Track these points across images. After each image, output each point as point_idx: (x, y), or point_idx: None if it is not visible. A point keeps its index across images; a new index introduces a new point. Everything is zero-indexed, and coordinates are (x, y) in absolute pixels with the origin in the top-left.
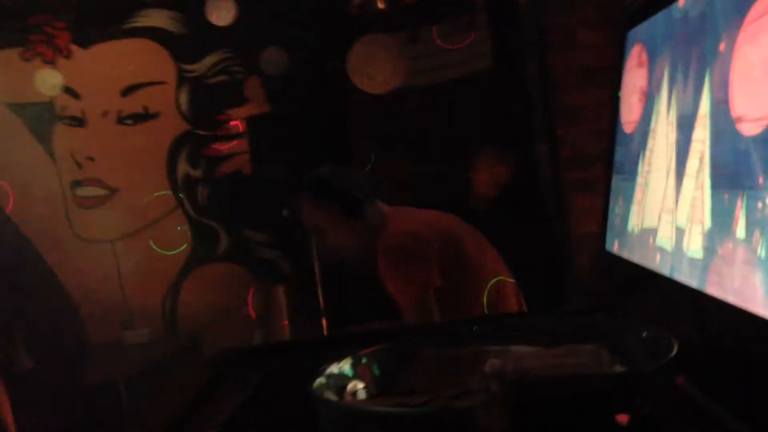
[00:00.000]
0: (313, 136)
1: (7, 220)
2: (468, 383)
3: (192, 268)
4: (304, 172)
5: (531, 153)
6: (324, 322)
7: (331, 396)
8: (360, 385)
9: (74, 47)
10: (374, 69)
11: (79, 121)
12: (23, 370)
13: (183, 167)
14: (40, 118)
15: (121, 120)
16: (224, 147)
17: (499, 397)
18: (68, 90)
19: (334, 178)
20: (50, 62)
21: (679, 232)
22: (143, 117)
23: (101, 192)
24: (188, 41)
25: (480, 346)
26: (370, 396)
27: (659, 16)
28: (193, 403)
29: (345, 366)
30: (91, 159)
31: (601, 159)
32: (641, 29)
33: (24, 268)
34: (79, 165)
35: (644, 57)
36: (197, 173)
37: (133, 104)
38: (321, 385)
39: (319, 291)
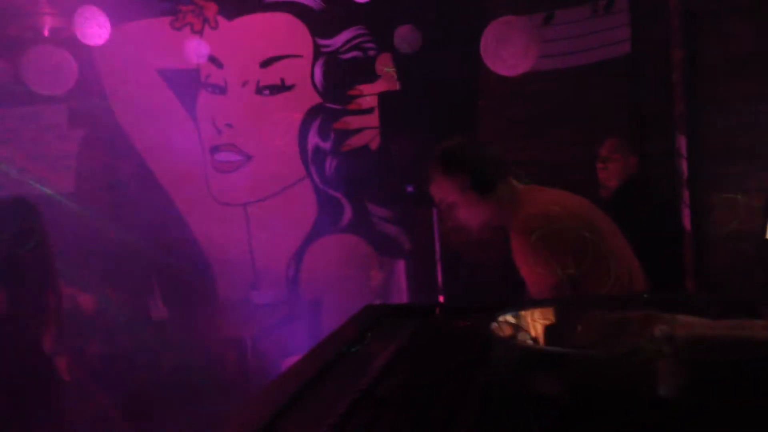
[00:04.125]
0: (440, 114)
1: (154, 181)
2: (636, 344)
3: (316, 237)
4: (431, 149)
5: (668, 144)
6: (442, 298)
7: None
8: (527, 337)
9: (220, 18)
10: (507, 50)
11: (221, 90)
12: (159, 317)
13: (314, 139)
14: (187, 85)
15: (259, 90)
16: (354, 121)
17: (673, 356)
18: (213, 59)
19: (466, 151)
20: (198, 32)
21: None
22: (279, 88)
23: (237, 158)
24: (326, 17)
25: (648, 311)
26: None
27: None
28: (344, 352)
29: (518, 316)
30: (230, 126)
31: (745, 153)
32: None
33: (167, 225)
34: (218, 131)
35: None
36: (326, 145)
37: (271, 75)
38: (497, 329)
39: (438, 268)
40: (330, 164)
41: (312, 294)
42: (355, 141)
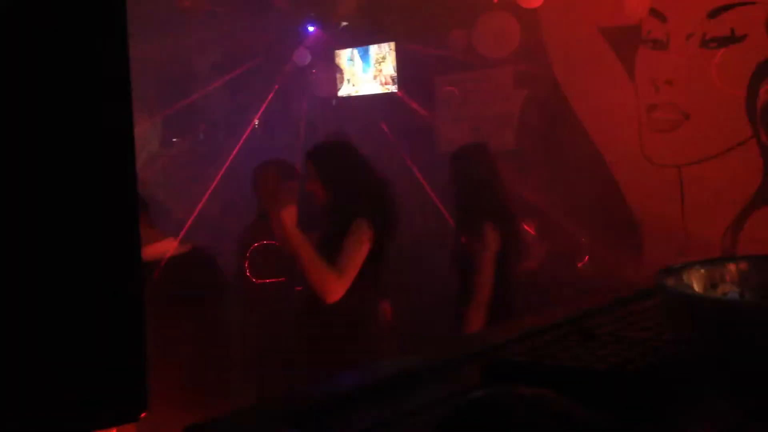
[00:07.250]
0: None
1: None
2: None
3: (761, 204)
4: None
5: None
6: None
7: (686, 288)
8: (734, 288)
9: None
10: None
11: (662, 45)
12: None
13: (765, 95)
14: (626, 41)
15: (704, 43)
16: None
17: None
18: (655, 12)
19: None
20: None
21: None
22: (728, 40)
23: (675, 116)
24: None
25: None
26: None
27: None
28: None
29: (716, 265)
30: (669, 83)
31: None
32: None
33: (597, 182)
34: (656, 88)
35: None
36: None
37: (720, 26)
38: (672, 279)
39: None
40: None
41: None
42: None
